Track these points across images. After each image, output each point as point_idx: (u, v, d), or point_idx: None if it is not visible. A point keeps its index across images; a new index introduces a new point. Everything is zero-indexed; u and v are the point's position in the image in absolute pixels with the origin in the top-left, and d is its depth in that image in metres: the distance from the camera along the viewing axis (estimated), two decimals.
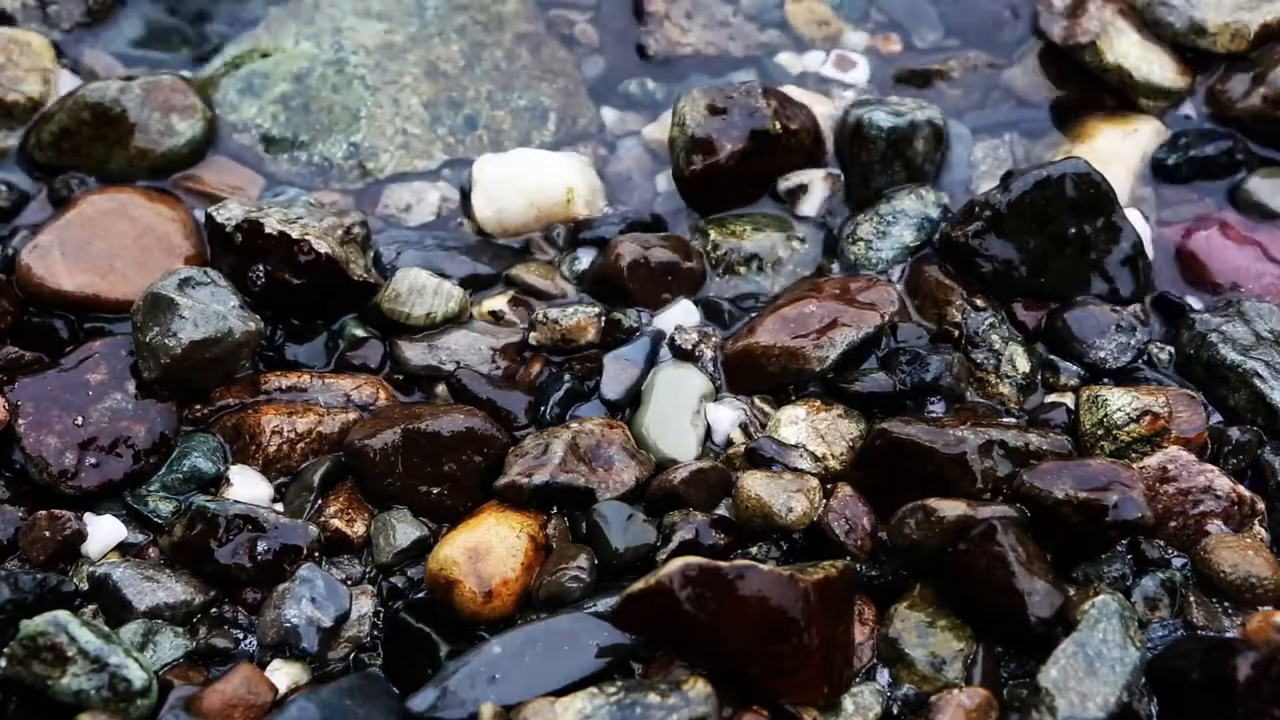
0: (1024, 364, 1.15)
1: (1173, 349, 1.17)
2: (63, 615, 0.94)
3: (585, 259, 1.24)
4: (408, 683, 0.99)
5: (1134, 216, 1.22)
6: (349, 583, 1.05)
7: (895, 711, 0.99)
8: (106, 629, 0.96)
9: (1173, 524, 1.07)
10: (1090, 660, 0.95)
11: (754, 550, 1.05)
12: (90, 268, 1.19)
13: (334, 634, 1.02)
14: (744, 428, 1.12)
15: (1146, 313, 1.20)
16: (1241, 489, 1.07)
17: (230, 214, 1.17)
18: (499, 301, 1.21)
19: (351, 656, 1.03)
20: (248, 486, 1.10)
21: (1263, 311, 1.17)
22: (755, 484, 1.05)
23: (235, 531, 1.04)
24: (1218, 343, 1.15)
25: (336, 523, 1.07)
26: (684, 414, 1.12)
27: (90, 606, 1.04)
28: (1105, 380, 1.15)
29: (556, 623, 0.98)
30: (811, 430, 1.10)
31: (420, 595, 1.05)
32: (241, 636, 1.03)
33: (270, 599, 1.03)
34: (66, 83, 1.32)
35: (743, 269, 1.23)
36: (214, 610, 1.05)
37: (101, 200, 1.23)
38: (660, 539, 1.05)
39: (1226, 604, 1.04)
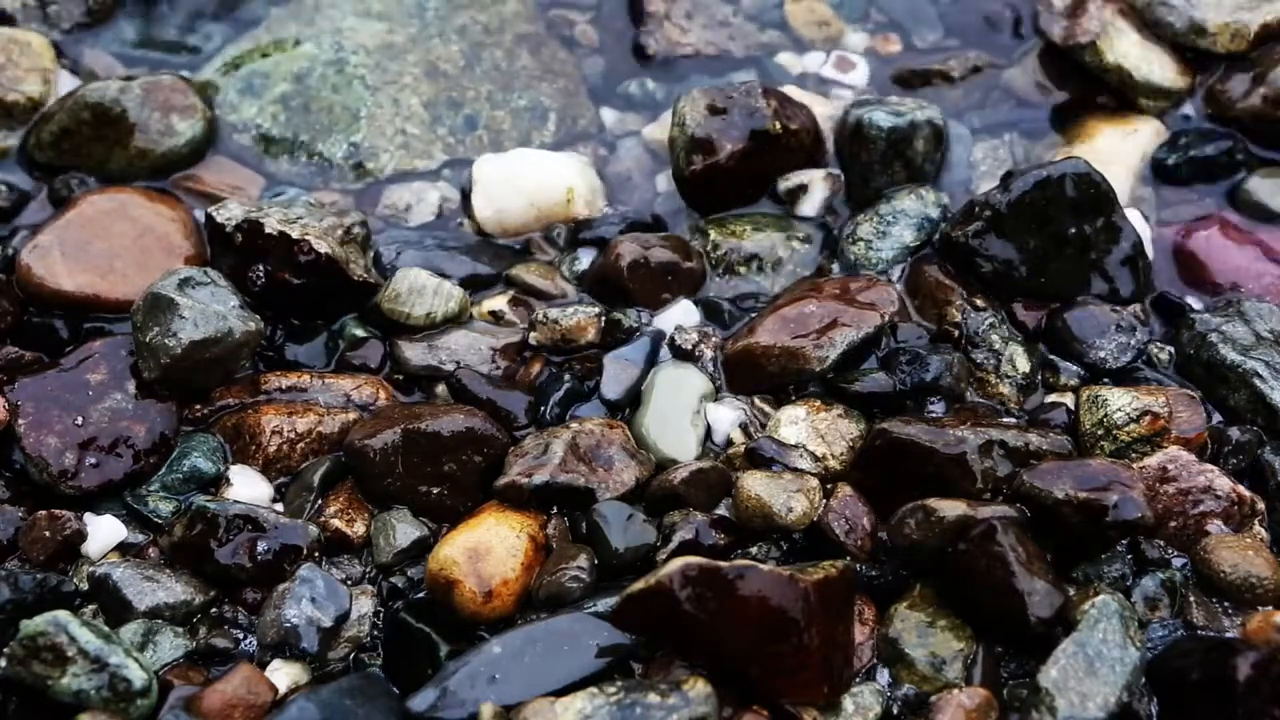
0: (1024, 364, 1.15)
1: (1173, 349, 1.17)
2: (63, 615, 0.94)
3: (585, 259, 1.24)
4: (408, 683, 0.99)
5: (1134, 216, 1.22)
6: (349, 583, 1.05)
7: (895, 711, 0.99)
8: (106, 629, 0.96)
9: (1173, 524, 1.07)
10: (1090, 660, 0.95)
11: (754, 550, 1.05)
12: (90, 268, 1.19)
13: (334, 634, 1.02)
14: (744, 428, 1.12)
15: (1146, 313, 1.20)
16: (1241, 489, 1.07)
17: (230, 214, 1.17)
18: (499, 301, 1.21)
19: (351, 656, 1.03)
20: (248, 486, 1.10)
21: (1263, 311, 1.17)
22: (755, 484, 1.05)
23: (235, 531, 1.04)
24: (1218, 343, 1.15)
25: (336, 523, 1.07)
26: (684, 414, 1.12)
27: (90, 606, 1.04)
28: (1105, 380, 1.15)
29: (556, 623, 0.98)
30: (811, 430, 1.10)
31: (420, 595, 1.05)
32: (241, 636, 1.03)
33: (270, 599, 1.03)
34: (66, 83, 1.32)
35: (743, 269, 1.23)
36: (214, 610, 1.05)
37: (101, 200, 1.23)
38: (660, 539, 1.05)
39: (1226, 604, 1.04)
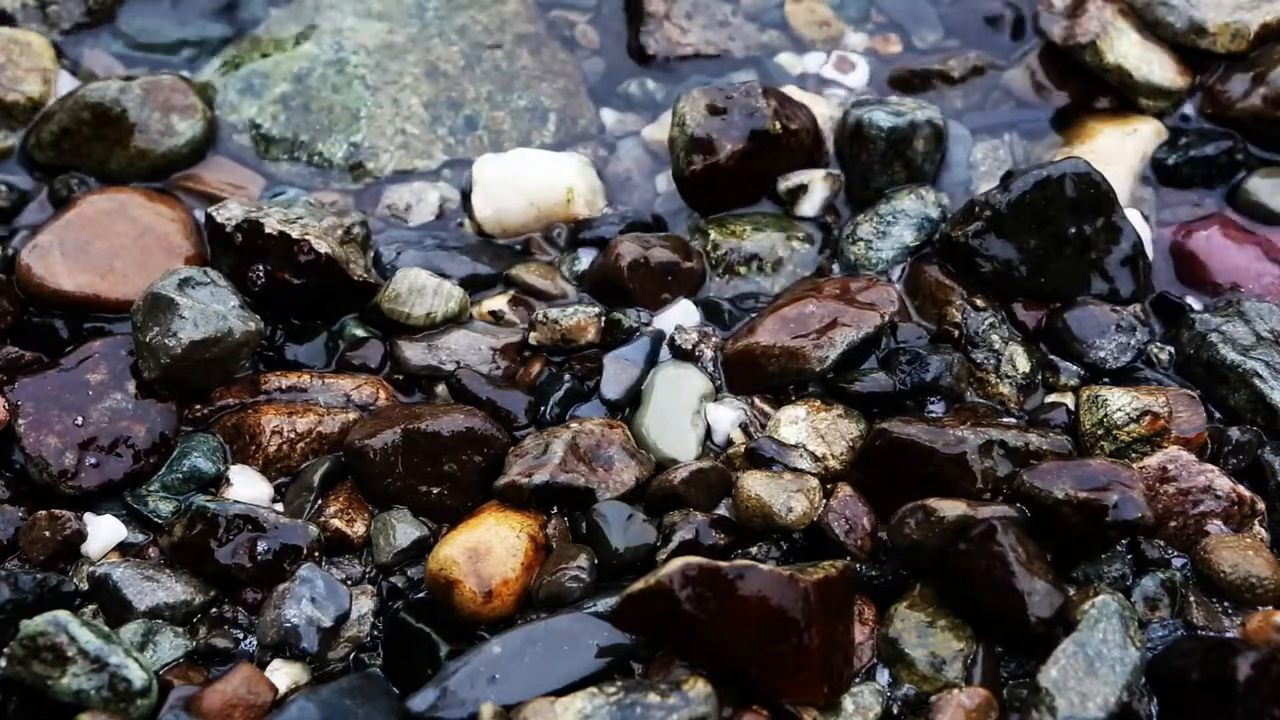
0: (1024, 364, 1.15)
1: (1173, 349, 1.17)
2: (63, 615, 0.94)
3: (585, 259, 1.24)
4: (408, 683, 0.99)
5: (1134, 216, 1.22)
6: (349, 583, 1.05)
7: (895, 711, 0.99)
8: (106, 629, 0.96)
9: (1173, 524, 1.07)
10: (1090, 660, 0.95)
11: (754, 550, 1.05)
12: (90, 268, 1.19)
13: (334, 634, 1.02)
14: (744, 428, 1.12)
15: (1146, 313, 1.20)
16: (1241, 489, 1.07)
17: (230, 214, 1.17)
18: (499, 301, 1.21)
19: (351, 656, 1.03)
20: (248, 486, 1.10)
21: (1263, 311, 1.17)
22: (755, 484, 1.05)
23: (235, 531, 1.04)
24: (1218, 343, 1.15)
25: (336, 523, 1.07)
26: (684, 414, 1.12)
27: (90, 606, 1.04)
28: (1105, 380, 1.15)
29: (556, 623, 0.98)
30: (811, 430, 1.10)
31: (420, 595, 1.05)
32: (241, 636, 1.03)
33: (270, 599, 1.03)
34: (66, 83, 1.32)
35: (743, 269, 1.23)
36: (214, 610, 1.05)
37: (101, 200, 1.23)
38: (660, 539, 1.05)
39: (1226, 604, 1.04)
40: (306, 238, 1.15)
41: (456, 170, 1.32)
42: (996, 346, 1.15)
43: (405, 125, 1.33)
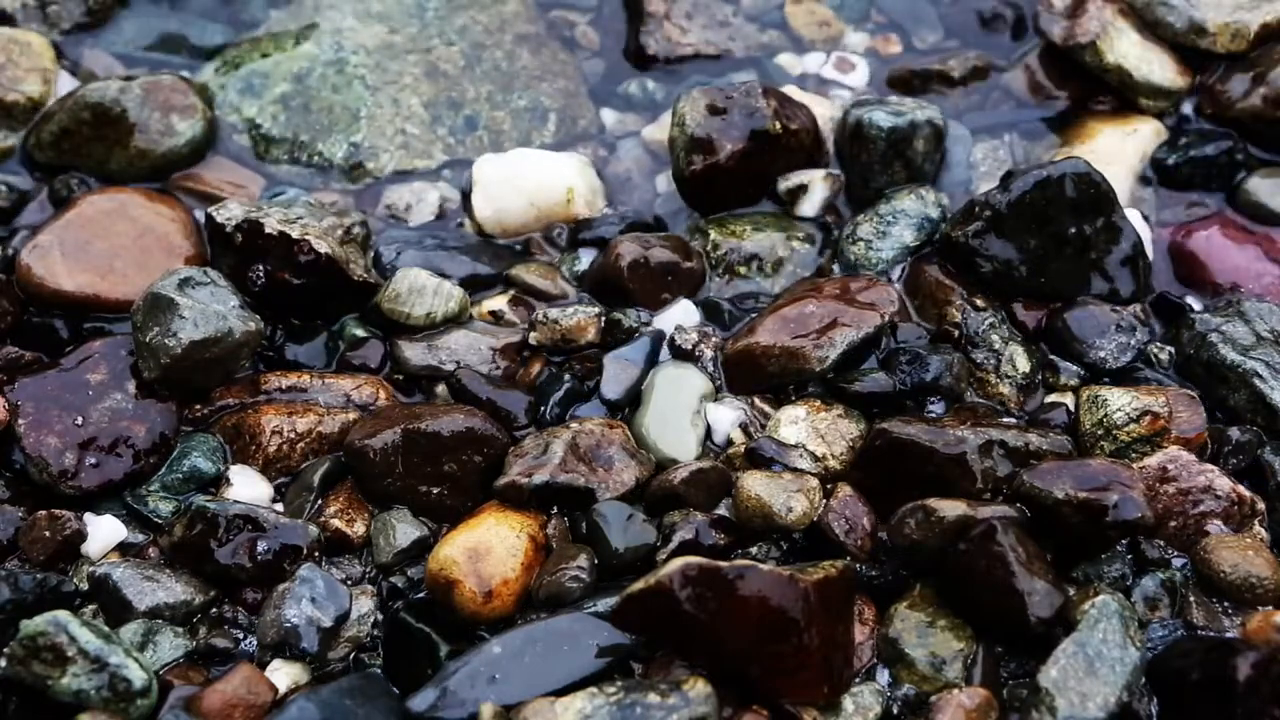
0: (1024, 364, 1.15)
1: (1173, 349, 1.17)
2: (63, 615, 0.94)
3: (585, 259, 1.24)
4: (408, 683, 0.99)
5: (1134, 216, 1.22)
6: (349, 583, 1.05)
7: (895, 711, 0.99)
8: (106, 629, 0.96)
9: (1173, 524, 1.07)
10: (1090, 660, 0.95)
11: (754, 550, 1.05)
12: (90, 268, 1.19)
13: (334, 634, 1.02)
14: (744, 428, 1.12)
15: (1146, 313, 1.20)
16: (1241, 489, 1.07)
17: (230, 214, 1.17)
18: (499, 301, 1.21)
19: (351, 656, 1.03)
20: (248, 486, 1.10)
21: (1263, 311, 1.17)
22: (755, 484, 1.05)
23: (235, 531, 1.04)
24: (1218, 343, 1.15)
25: (336, 523, 1.07)
26: (684, 414, 1.12)
27: (90, 606, 1.04)
28: (1105, 380, 1.15)
29: (556, 623, 0.98)
30: (811, 430, 1.10)
31: (420, 595, 1.05)
32: (241, 636, 1.03)
33: (270, 599, 1.03)
34: (66, 83, 1.32)
35: (743, 269, 1.23)
36: (214, 610, 1.05)
37: (101, 200, 1.23)
38: (660, 539, 1.05)
39: (1226, 604, 1.04)
40: (306, 238, 1.15)
41: (456, 170, 1.32)
42: (996, 346, 1.15)
43: (405, 125, 1.33)
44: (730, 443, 1.12)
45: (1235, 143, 1.28)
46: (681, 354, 1.16)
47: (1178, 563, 1.06)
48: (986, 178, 1.29)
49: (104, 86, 1.27)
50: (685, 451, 1.11)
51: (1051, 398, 1.15)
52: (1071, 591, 1.00)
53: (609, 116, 1.36)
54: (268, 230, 1.15)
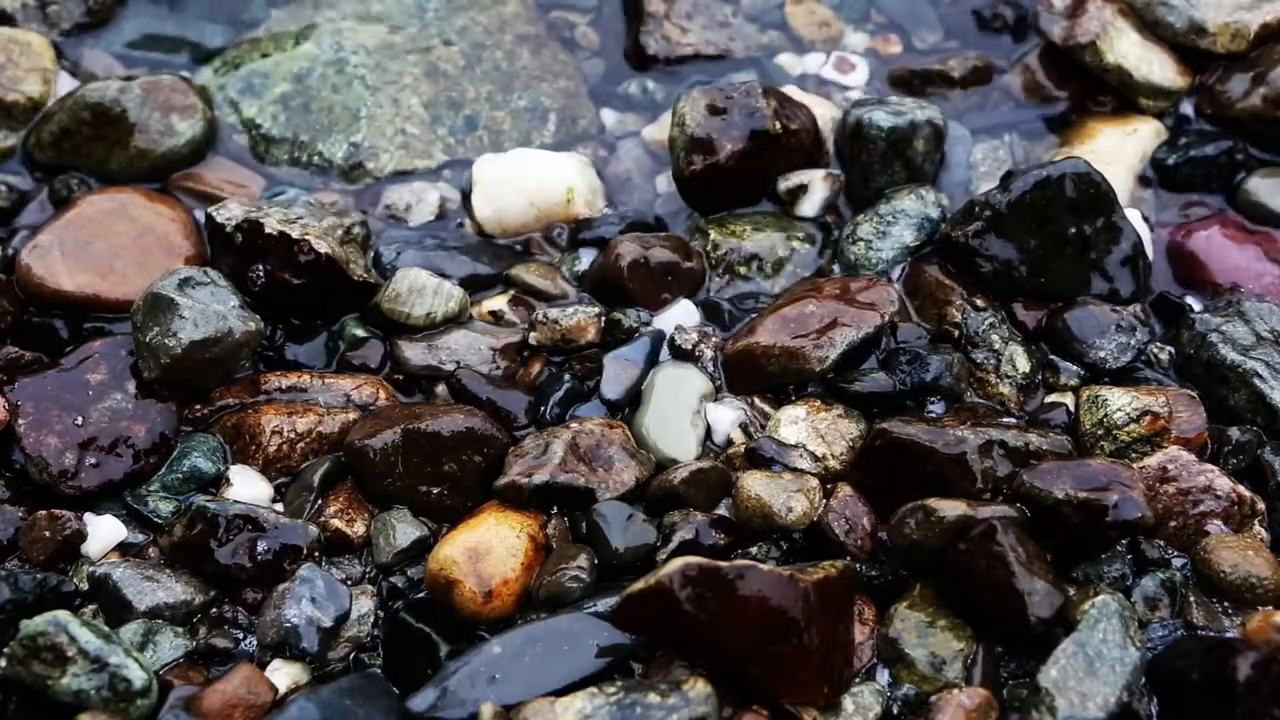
0: (1024, 364, 1.15)
1: (1173, 349, 1.17)
2: (63, 615, 0.94)
3: (585, 259, 1.24)
4: (408, 683, 0.99)
5: (1134, 216, 1.22)
6: (349, 583, 1.05)
7: (895, 711, 0.99)
8: (106, 629, 0.96)
9: (1173, 524, 1.07)
10: (1090, 660, 0.95)
11: (754, 550, 1.05)
12: (90, 268, 1.19)
13: (334, 634, 1.02)
14: (744, 428, 1.12)
15: (1146, 313, 1.20)
16: (1241, 489, 1.07)
17: (230, 214, 1.17)
18: (499, 301, 1.21)
19: (351, 656, 1.03)
20: (248, 486, 1.10)
21: (1263, 311, 1.17)
22: (755, 484, 1.05)
23: (235, 531, 1.04)
24: (1218, 343, 1.15)
25: (336, 523, 1.07)
26: (684, 414, 1.12)
27: (90, 606, 1.04)
28: (1105, 380, 1.15)
29: (556, 623, 0.98)
30: (811, 430, 1.10)
31: (420, 595, 1.05)
32: (241, 636, 1.03)
33: (270, 599, 1.03)
34: (66, 83, 1.32)
35: (743, 269, 1.23)
36: (214, 610, 1.05)
37: (101, 200, 1.23)
38: (660, 539, 1.05)
39: (1226, 604, 1.04)
40: (306, 238, 1.15)
41: (456, 170, 1.32)
42: (996, 346, 1.15)
43: (405, 125, 1.33)
44: (730, 443, 1.12)
45: (1235, 142, 1.28)
46: (681, 354, 1.16)
47: (1178, 563, 1.06)
48: (986, 178, 1.29)
49: (104, 86, 1.27)
50: (685, 451, 1.11)
51: (1051, 398, 1.15)
52: (1071, 591, 1.00)
53: (609, 116, 1.36)
54: (268, 230, 1.15)
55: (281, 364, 1.18)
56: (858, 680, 0.99)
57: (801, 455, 1.08)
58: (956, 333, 1.17)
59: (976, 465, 1.04)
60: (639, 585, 0.94)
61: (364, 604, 1.04)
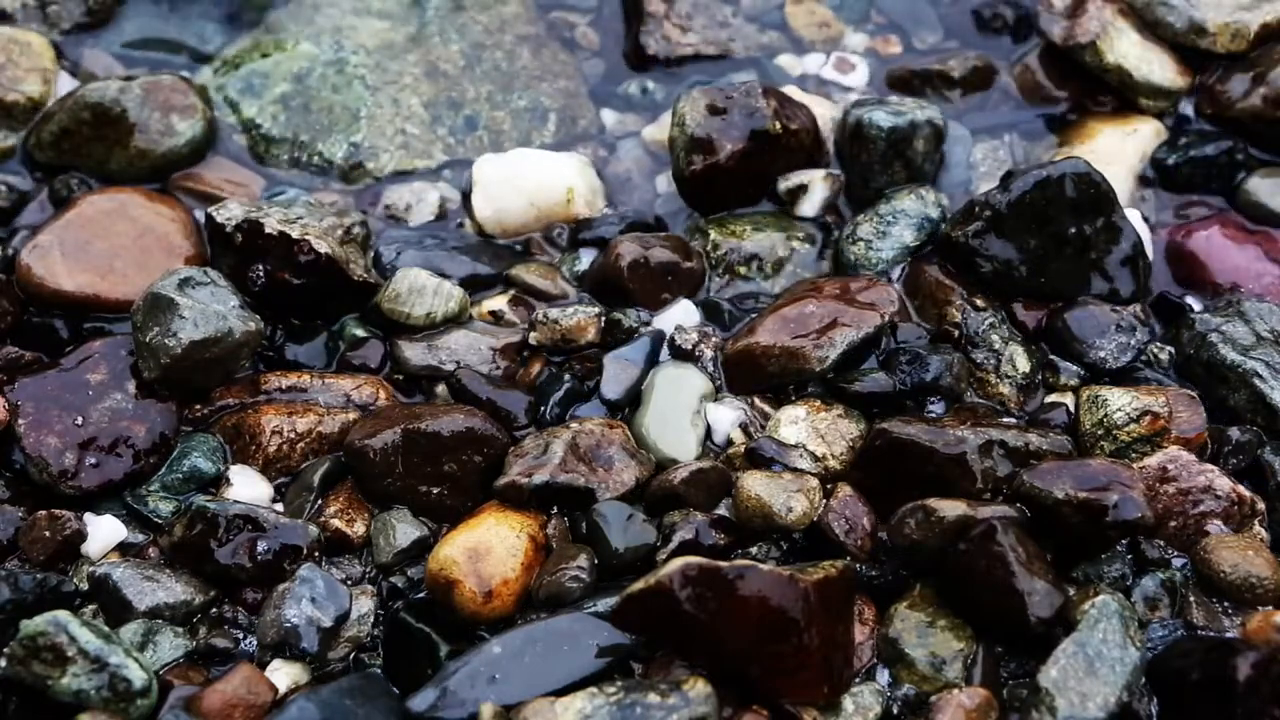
0: (1024, 364, 1.15)
1: (1173, 349, 1.17)
2: (63, 615, 0.94)
3: (585, 259, 1.24)
4: (408, 683, 0.99)
5: (1134, 216, 1.22)
6: (349, 583, 1.05)
7: (895, 711, 0.99)
8: (106, 629, 0.96)
9: (1173, 524, 1.07)
10: (1090, 660, 0.95)
11: (754, 550, 1.05)
12: (90, 268, 1.19)
13: (334, 634, 1.02)
14: (744, 428, 1.12)
15: (1146, 313, 1.20)
16: (1241, 489, 1.07)
17: (230, 214, 1.17)
18: (499, 301, 1.21)
19: (351, 656, 1.03)
20: (248, 486, 1.10)
21: (1263, 311, 1.17)
22: (755, 484, 1.05)
23: (235, 531, 1.04)
24: (1218, 343, 1.15)
25: (336, 523, 1.07)
26: (684, 414, 1.12)
27: (90, 606, 1.04)
28: (1105, 380, 1.15)
29: (556, 623, 0.98)
30: (811, 430, 1.10)
31: (420, 595, 1.05)
32: (241, 636, 1.03)
33: (270, 599, 1.03)
34: (66, 83, 1.32)
35: (743, 269, 1.23)
36: (214, 610, 1.05)
37: (101, 200, 1.23)
38: (660, 539, 1.05)
39: (1226, 604, 1.04)
40: (306, 238, 1.15)
41: (456, 170, 1.32)
42: (996, 346, 1.15)
43: (405, 125, 1.33)
44: (730, 443, 1.12)
45: (1235, 142, 1.28)
46: (681, 354, 1.16)
47: (1178, 563, 1.06)
48: (986, 178, 1.29)
49: (104, 86, 1.27)
50: (685, 451, 1.11)
51: (1051, 398, 1.15)
52: (1071, 591, 1.00)
53: (609, 117, 1.36)
54: (268, 230, 1.15)
55: (281, 364, 1.18)
56: (858, 680, 0.99)
57: (801, 455, 1.08)
58: (956, 333, 1.17)
59: (976, 465, 1.04)
60: (639, 585, 0.94)
61: (364, 604, 1.04)
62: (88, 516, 1.08)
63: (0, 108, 1.29)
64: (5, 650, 0.94)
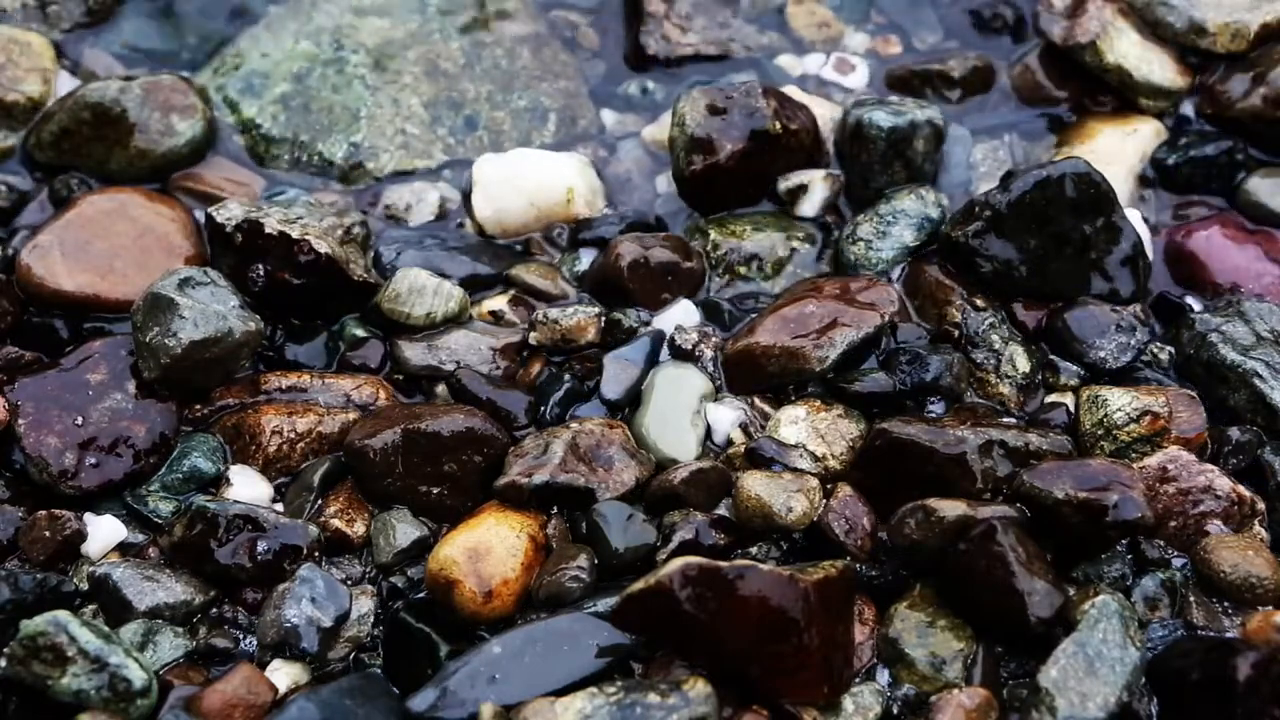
0: (1024, 364, 1.15)
1: (1173, 349, 1.17)
2: (63, 615, 0.94)
3: (585, 259, 1.24)
4: (408, 683, 0.99)
5: (1134, 216, 1.22)
6: (349, 583, 1.05)
7: (895, 711, 0.99)
8: (106, 629, 0.96)
9: (1173, 524, 1.07)
10: (1090, 660, 0.95)
11: (754, 550, 1.05)
12: (90, 268, 1.19)
13: (334, 634, 1.02)
14: (744, 428, 1.12)
15: (1146, 313, 1.20)
16: (1241, 489, 1.07)
17: (230, 214, 1.17)
18: (499, 301, 1.21)
19: (351, 656, 1.03)
20: (248, 486, 1.10)
21: (1263, 311, 1.17)
22: (755, 484, 1.05)
23: (235, 531, 1.04)
24: (1218, 343, 1.15)
25: (336, 523, 1.07)
26: (684, 414, 1.12)
27: (90, 606, 1.04)
28: (1105, 380, 1.15)
29: (556, 623, 0.98)
30: (811, 430, 1.10)
31: (420, 595, 1.05)
32: (241, 636, 1.03)
33: (270, 599, 1.03)
34: (66, 83, 1.32)
35: (743, 269, 1.23)
36: (214, 610, 1.05)
37: (101, 200, 1.23)
38: (660, 539, 1.05)
39: (1226, 604, 1.04)
40: (306, 238, 1.15)
41: (456, 170, 1.32)
42: (996, 346, 1.15)
43: (405, 125, 1.33)
44: (730, 443, 1.12)
45: (1235, 142, 1.28)
46: (681, 354, 1.16)
47: (1178, 563, 1.06)
48: (986, 178, 1.29)
49: (104, 86, 1.27)
50: (685, 451, 1.11)
51: (1051, 398, 1.15)
52: (1071, 591, 1.00)
53: (609, 117, 1.36)
54: (268, 230, 1.15)
55: (281, 364, 1.18)
56: (858, 680, 0.99)
57: (801, 455, 1.08)
58: (956, 333, 1.17)
59: (976, 465, 1.04)
60: (639, 585, 0.94)
61: (364, 604, 1.04)
62: (88, 516, 1.08)
63: (0, 107, 1.29)
64: (5, 650, 0.94)
